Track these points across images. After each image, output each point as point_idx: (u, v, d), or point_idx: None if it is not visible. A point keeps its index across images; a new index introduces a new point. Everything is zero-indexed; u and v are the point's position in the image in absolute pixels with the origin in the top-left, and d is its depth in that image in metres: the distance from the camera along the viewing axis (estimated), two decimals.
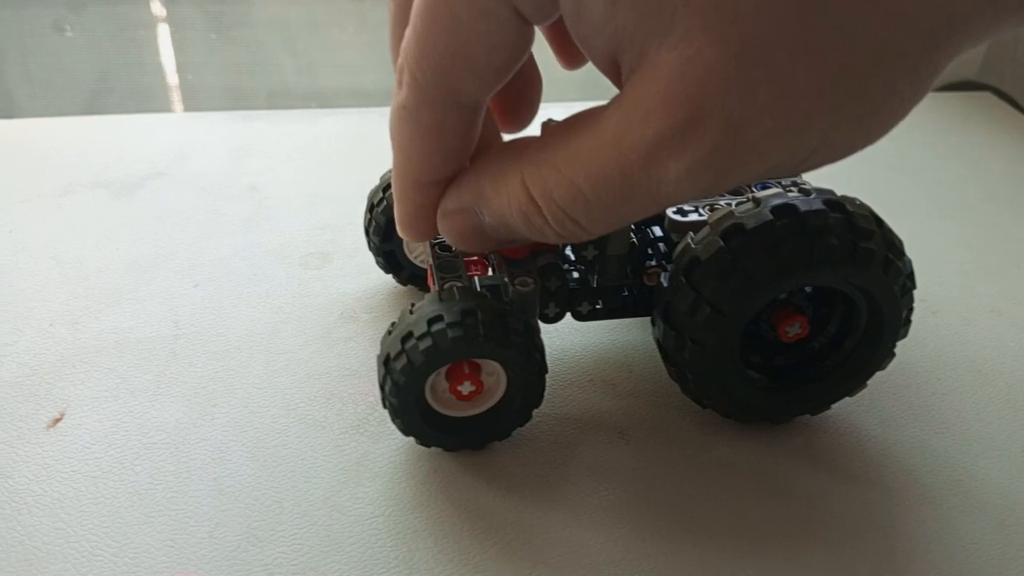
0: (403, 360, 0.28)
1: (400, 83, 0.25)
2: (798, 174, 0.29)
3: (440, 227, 0.28)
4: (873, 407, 0.34)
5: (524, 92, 0.31)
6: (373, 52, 0.79)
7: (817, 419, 0.33)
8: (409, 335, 0.28)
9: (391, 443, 0.32)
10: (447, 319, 0.28)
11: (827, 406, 0.33)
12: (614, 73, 0.23)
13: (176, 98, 0.71)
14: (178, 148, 0.51)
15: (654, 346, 0.36)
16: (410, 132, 0.26)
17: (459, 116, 0.25)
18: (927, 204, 0.49)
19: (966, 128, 0.58)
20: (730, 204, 0.30)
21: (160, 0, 0.81)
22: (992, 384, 0.36)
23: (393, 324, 0.30)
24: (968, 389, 0.36)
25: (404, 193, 0.28)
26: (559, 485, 0.31)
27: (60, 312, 0.38)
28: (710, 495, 0.30)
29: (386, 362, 0.29)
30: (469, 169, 0.27)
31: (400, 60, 0.25)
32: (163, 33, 0.77)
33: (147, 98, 0.71)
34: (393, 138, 0.27)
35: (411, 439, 0.31)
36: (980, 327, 0.39)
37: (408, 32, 0.24)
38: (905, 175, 0.52)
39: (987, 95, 0.64)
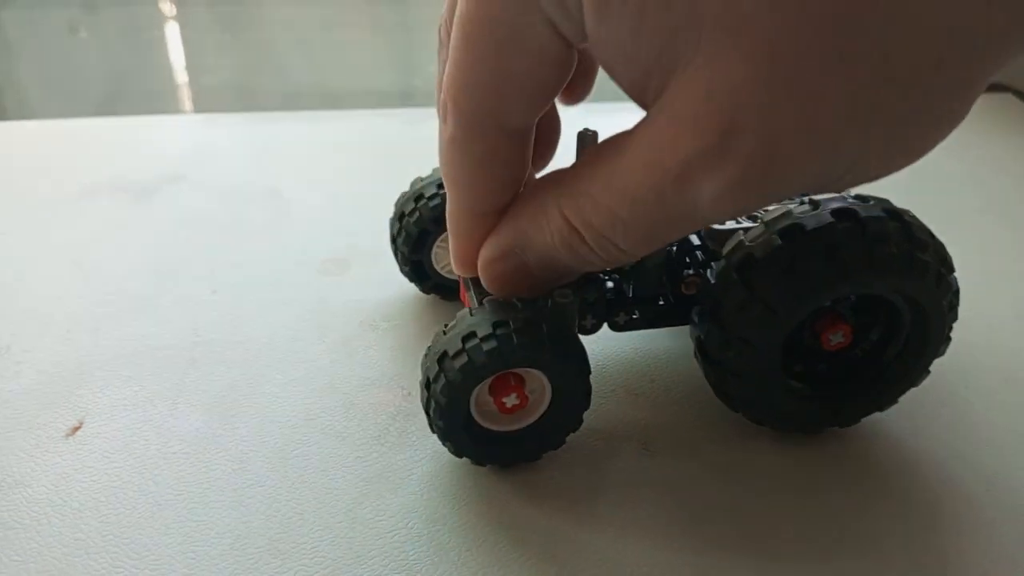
0: (463, 359, 0.28)
1: (445, 117, 0.25)
2: (834, 192, 0.28)
3: (484, 278, 0.28)
4: (902, 416, 0.34)
5: (544, 131, 0.30)
6: (386, 53, 0.79)
7: (848, 430, 0.33)
8: (472, 335, 0.28)
9: (413, 454, 0.31)
10: (513, 325, 0.28)
11: (858, 419, 0.32)
12: (640, 95, 0.23)
13: (189, 99, 0.71)
14: (196, 150, 0.51)
15: (675, 355, 0.36)
16: (462, 164, 0.26)
17: (510, 143, 0.25)
18: (950, 209, 0.49)
19: (987, 130, 0.58)
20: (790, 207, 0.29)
21: (172, 2, 0.81)
22: (1021, 391, 0.35)
23: (447, 325, 0.29)
24: (998, 397, 0.35)
25: (460, 227, 0.28)
26: (584, 497, 0.30)
27: (80, 318, 0.37)
28: (736, 506, 0.30)
29: (441, 359, 0.28)
30: (504, 215, 0.27)
31: (443, 94, 0.25)
32: (176, 34, 0.77)
33: (161, 99, 0.71)
34: (445, 173, 0.27)
35: (432, 449, 0.31)
36: (1007, 334, 0.39)
37: (449, 64, 0.24)
38: (927, 180, 0.52)
39: (1008, 97, 0.63)
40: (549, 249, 0.25)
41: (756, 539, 0.29)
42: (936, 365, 0.35)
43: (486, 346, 0.27)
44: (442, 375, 0.28)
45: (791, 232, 0.28)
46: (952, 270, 0.29)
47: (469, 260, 0.28)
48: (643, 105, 0.23)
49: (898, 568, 0.28)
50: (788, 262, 0.27)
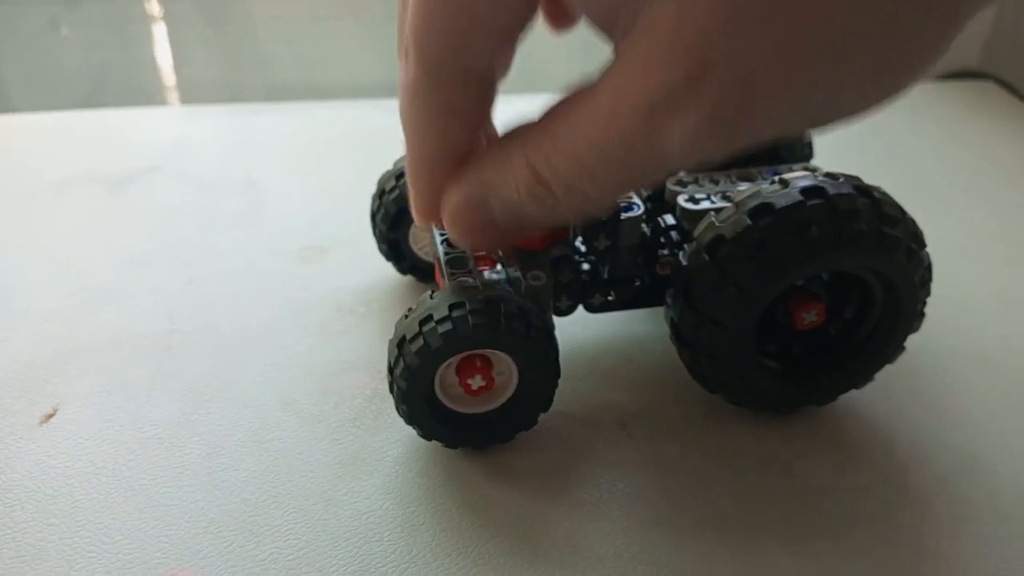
0: (419, 342, 0.28)
1: (406, 61, 0.24)
2: (810, 133, 0.28)
3: (450, 230, 0.27)
4: (878, 396, 0.34)
5: None
6: (373, 46, 0.79)
7: (821, 409, 0.33)
8: (428, 318, 0.28)
9: (388, 436, 0.31)
10: (469, 306, 0.28)
11: (834, 397, 0.32)
12: (608, 36, 0.22)
13: (173, 93, 0.70)
14: (174, 142, 0.51)
15: (654, 336, 0.36)
16: (422, 110, 0.25)
17: (471, 87, 0.24)
18: (929, 193, 0.49)
19: (968, 117, 0.58)
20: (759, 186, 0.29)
21: None
22: (996, 373, 0.36)
23: (410, 309, 0.29)
24: (972, 378, 0.35)
25: (420, 176, 0.27)
26: (559, 478, 0.30)
27: (55, 308, 0.37)
28: (713, 485, 0.30)
29: (400, 344, 0.28)
30: (467, 162, 0.26)
31: (404, 39, 0.24)
32: (159, 29, 0.77)
33: (144, 94, 0.70)
34: (405, 120, 0.26)
35: (408, 432, 0.31)
36: (984, 316, 0.39)
37: (411, 8, 0.23)
38: (907, 164, 0.52)
39: (989, 84, 0.64)
40: (514, 200, 0.24)
41: (731, 518, 0.29)
42: (913, 346, 0.35)
43: (441, 328, 0.27)
44: (401, 359, 0.28)
45: (761, 211, 0.28)
46: (923, 245, 0.29)
47: (429, 210, 0.27)
48: (613, 47, 0.22)
49: (872, 544, 0.28)
50: (758, 241, 0.27)
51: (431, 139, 0.26)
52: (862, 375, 0.32)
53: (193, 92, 0.69)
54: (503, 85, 0.26)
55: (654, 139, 0.21)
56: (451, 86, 0.24)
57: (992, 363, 0.36)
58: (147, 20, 0.78)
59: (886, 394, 0.34)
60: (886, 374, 0.34)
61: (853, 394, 0.33)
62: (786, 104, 0.20)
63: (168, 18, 0.78)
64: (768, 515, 0.29)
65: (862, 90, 0.21)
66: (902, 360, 0.34)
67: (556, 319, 0.33)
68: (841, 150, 0.53)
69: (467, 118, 0.25)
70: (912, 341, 0.34)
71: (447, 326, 0.27)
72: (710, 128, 0.20)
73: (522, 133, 0.24)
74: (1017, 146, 0.54)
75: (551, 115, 0.23)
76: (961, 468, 0.31)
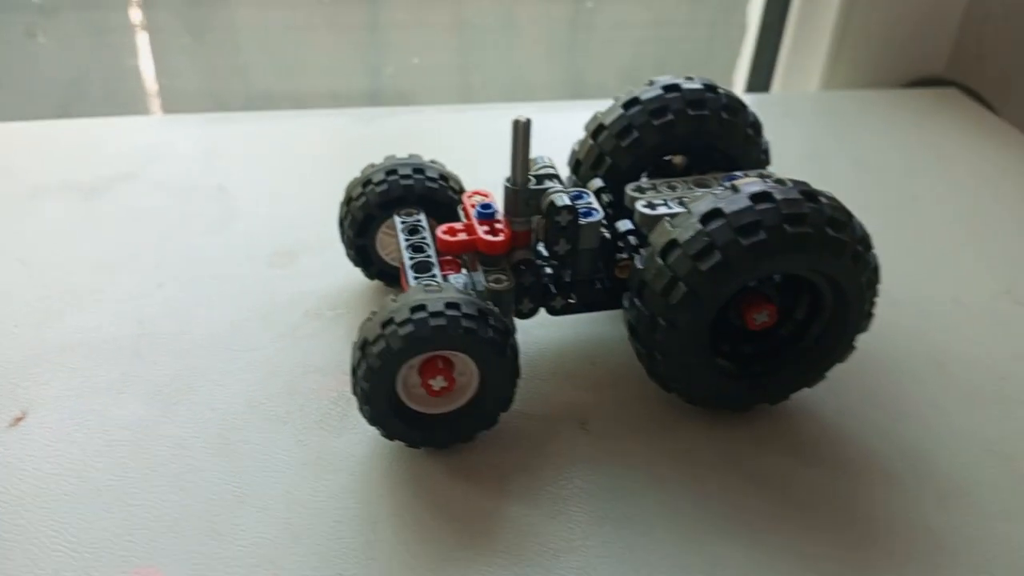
0: (381, 344, 0.28)
1: None
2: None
3: None
4: (832, 395, 0.35)
5: None
6: (351, 55, 0.80)
7: (777, 407, 0.34)
8: (390, 321, 0.29)
9: (352, 437, 0.32)
10: (430, 308, 0.28)
11: (786, 396, 0.33)
12: None
13: (154, 102, 0.71)
14: (149, 151, 0.51)
15: (616, 338, 0.37)
16: None
17: None
18: (892, 197, 0.50)
19: (932, 123, 0.59)
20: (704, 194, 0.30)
21: (137, 5, 0.81)
22: (949, 373, 0.37)
23: (374, 312, 0.30)
24: (926, 378, 0.36)
25: None
26: (519, 476, 0.31)
27: (25, 313, 0.38)
28: (669, 482, 0.31)
29: (363, 346, 0.29)
30: None
31: None
32: (138, 38, 0.77)
33: (122, 103, 0.71)
34: None
35: (373, 433, 0.31)
36: (939, 318, 0.40)
37: None
38: (871, 169, 0.53)
39: (953, 91, 0.65)
40: None
41: (686, 513, 0.30)
42: (868, 346, 0.36)
43: (402, 331, 0.28)
44: (364, 361, 0.29)
45: (711, 216, 0.29)
46: (870, 248, 0.30)
47: None
48: None
49: (820, 536, 0.29)
50: (708, 245, 0.28)
51: None
52: (814, 374, 0.32)
53: (173, 101, 0.70)
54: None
55: None
56: None
57: (945, 363, 0.37)
58: (127, 29, 0.78)
59: (838, 393, 0.35)
60: (839, 373, 0.35)
61: (806, 393, 0.34)
62: None
63: (149, 27, 0.78)
64: (721, 510, 0.30)
65: None
66: (856, 360, 0.35)
67: (521, 321, 0.34)
68: (808, 157, 0.54)
69: None
70: (867, 341, 0.34)
71: (408, 328, 0.28)
72: None
73: None
74: (977, 151, 0.55)
75: None
76: (912, 463, 0.32)
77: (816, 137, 0.57)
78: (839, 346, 0.32)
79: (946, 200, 0.50)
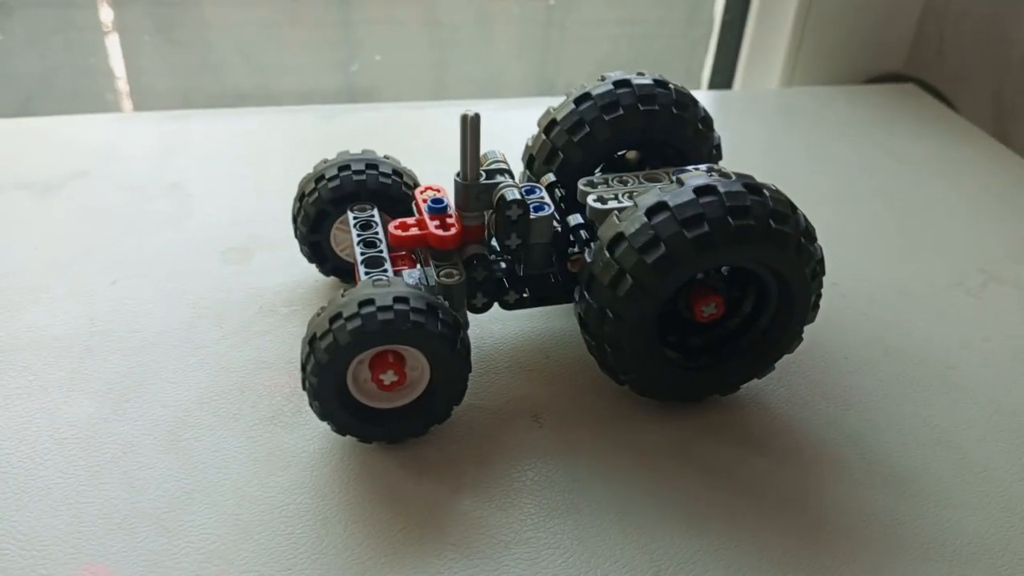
0: (329, 339, 0.28)
1: None
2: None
3: None
4: (782, 385, 0.35)
5: None
6: (323, 52, 0.79)
7: (729, 397, 0.34)
8: (338, 315, 0.29)
9: (305, 433, 0.32)
10: (378, 303, 0.28)
11: (737, 387, 0.34)
12: None
13: (122, 102, 0.70)
14: (105, 148, 0.51)
15: (571, 332, 0.37)
16: None
17: None
18: (845, 191, 0.51)
19: (890, 118, 0.60)
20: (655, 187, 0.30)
21: (106, 2, 0.81)
22: (898, 362, 0.37)
23: (323, 307, 0.30)
24: (875, 367, 0.37)
25: None
26: (471, 468, 0.31)
27: None
28: (620, 472, 0.31)
29: (311, 341, 0.29)
30: None
31: None
32: (105, 36, 0.77)
33: (88, 102, 0.70)
34: None
35: (325, 428, 0.31)
36: (888, 308, 0.40)
37: None
38: (829, 164, 0.54)
39: (911, 87, 0.66)
40: None
41: (636, 502, 0.30)
42: (815, 336, 0.36)
43: (350, 326, 0.28)
44: (312, 356, 0.29)
45: (656, 209, 0.29)
46: (814, 240, 0.31)
47: None
48: None
49: (766, 522, 0.30)
50: (652, 238, 0.29)
51: None
52: (763, 365, 0.33)
53: (142, 100, 0.69)
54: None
55: None
56: None
57: (894, 351, 0.38)
58: (94, 27, 0.78)
59: (789, 383, 0.35)
60: (789, 363, 0.35)
61: (759, 384, 0.34)
62: None
63: (117, 25, 0.78)
64: (671, 498, 0.30)
65: None
66: (806, 350, 0.35)
67: (476, 315, 0.34)
68: (768, 153, 0.55)
69: None
70: (816, 331, 0.35)
71: (356, 323, 0.28)
72: None
73: None
74: (934, 146, 0.56)
75: None
76: (860, 451, 0.33)
77: (776, 133, 0.58)
78: (786, 337, 0.32)
79: (902, 194, 0.51)
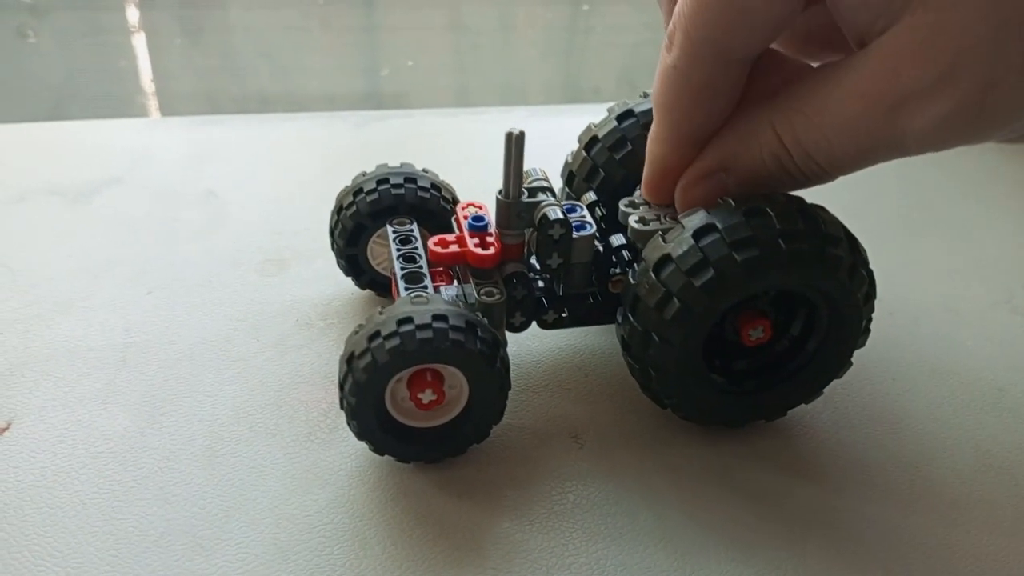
0: (367, 358, 0.28)
1: (671, 45, 0.27)
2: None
3: (680, 200, 0.30)
4: (828, 408, 0.34)
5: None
6: (346, 57, 0.79)
7: (773, 422, 0.33)
8: (376, 334, 0.28)
9: (342, 450, 0.32)
10: (417, 321, 0.28)
11: (783, 412, 0.33)
12: (859, 34, 0.24)
13: (149, 104, 0.70)
14: (138, 154, 0.50)
15: (610, 350, 0.37)
16: (678, 91, 0.28)
17: (729, 74, 0.27)
18: (889, 208, 0.50)
19: None
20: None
21: (132, 4, 0.81)
22: (946, 383, 0.36)
23: (360, 325, 0.29)
24: (922, 388, 0.36)
25: (660, 154, 0.30)
26: (510, 490, 0.30)
27: (10, 320, 0.37)
28: (664, 497, 0.30)
29: (349, 360, 0.29)
30: (709, 143, 0.29)
31: (673, 21, 0.26)
32: (133, 39, 0.77)
33: (116, 105, 0.70)
34: (657, 100, 0.29)
35: (363, 446, 0.31)
36: (935, 327, 0.39)
37: None
38: (869, 178, 0.52)
39: None
40: (756, 165, 0.27)
41: (678, 529, 0.29)
42: (862, 357, 0.35)
43: (389, 344, 0.28)
44: (350, 375, 0.28)
45: (705, 231, 0.28)
46: (866, 264, 0.30)
47: (663, 187, 0.30)
48: (859, 43, 0.25)
49: (816, 553, 0.29)
50: (701, 260, 0.28)
51: (679, 119, 0.28)
52: (810, 391, 0.32)
53: (168, 103, 0.69)
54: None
55: (895, 126, 0.24)
56: (708, 72, 0.27)
57: (941, 372, 0.37)
58: (121, 30, 0.78)
59: (836, 405, 0.34)
60: (836, 385, 0.34)
61: (804, 406, 0.34)
62: (1015, 114, 0.23)
63: (144, 28, 0.78)
64: (714, 526, 0.29)
65: None
66: (852, 371, 0.34)
67: (515, 333, 0.34)
68: None
69: (716, 104, 0.28)
70: (862, 352, 0.34)
71: (395, 341, 0.28)
72: (949, 124, 0.23)
73: (770, 100, 0.27)
74: (974, 158, 0.55)
75: (800, 89, 0.26)
76: (909, 477, 0.32)
77: None
78: (835, 362, 0.31)
79: (944, 208, 0.50)
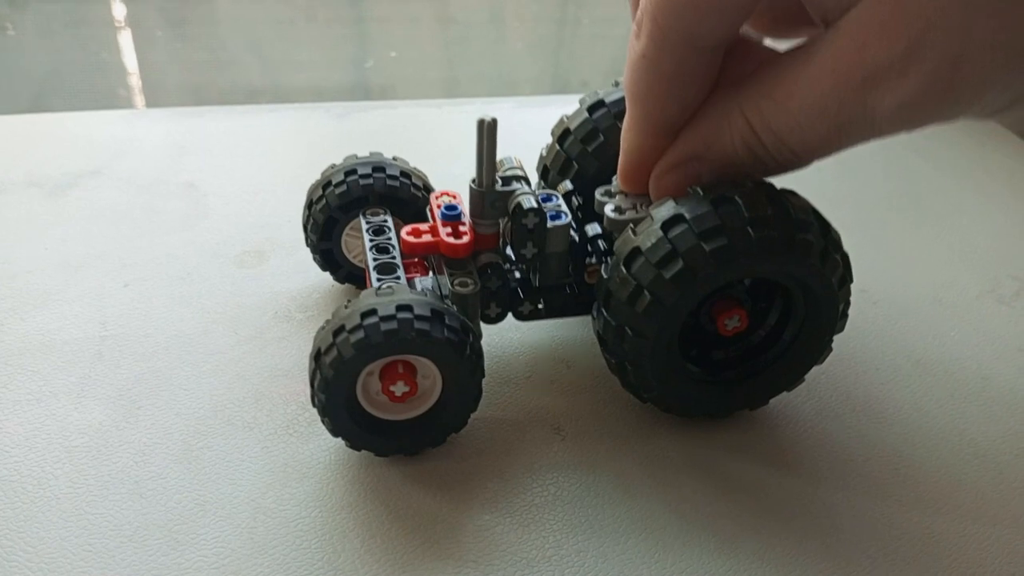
0: (333, 353, 0.28)
1: (639, 33, 0.27)
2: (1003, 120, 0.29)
3: (655, 188, 0.29)
4: (811, 398, 0.34)
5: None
6: (333, 49, 0.79)
7: (755, 412, 0.33)
8: (341, 328, 0.28)
9: (321, 444, 0.31)
10: (381, 312, 0.27)
11: (765, 401, 0.33)
12: (825, 12, 0.24)
13: (133, 98, 0.70)
14: (117, 145, 0.50)
15: (592, 342, 0.36)
16: (649, 80, 0.27)
17: (699, 61, 0.27)
18: (874, 195, 0.49)
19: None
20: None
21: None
22: (931, 373, 0.36)
23: (327, 320, 0.29)
24: (906, 379, 0.36)
25: (634, 144, 0.29)
26: (491, 483, 0.30)
27: None
28: (645, 489, 0.30)
29: (316, 356, 0.28)
30: (683, 131, 0.28)
31: (641, 8, 0.26)
32: (117, 31, 0.76)
33: (99, 98, 0.69)
34: (629, 89, 0.28)
35: (341, 441, 0.30)
36: (920, 317, 0.39)
37: None
38: (852, 165, 0.52)
39: None
40: (728, 152, 0.27)
41: (660, 520, 0.29)
42: (845, 347, 0.35)
43: (353, 338, 0.27)
44: (318, 372, 0.28)
45: (673, 222, 0.28)
46: (839, 248, 0.29)
47: (638, 177, 0.30)
48: (825, 21, 0.24)
49: (798, 542, 0.29)
50: (670, 252, 0.28)
51: (651, 108, 0.28)
52: (791, 377, 0.32)
53: (153, 96, 0.69)
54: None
55: (866, 104, 0.23)
56: (678, 60, 0.26)
57: (926, 363, 0.37)
58: (105, 22, 0.77)
59: (818, 396, 0.34)
60: (819, 375, 0.34)
61: (786, 397, 0.33)
62: (993, 88, 0.22)
63: (128, 21, 0.77)
64: (696, 517, 0.29)
65: None
66: (835, 362, 0.34)
67: (496, 324, 0.33)
68: None
69: (688, 91, 0.28)
70: (846, 342, 0.34)
71: (359, 335, 0.27)
72: (920, 100, 0.22)
73: (737, 87, 0.27)
74: (962, 149, 0.55)
75: (766, 72, 0.26)
76: (892, 466, 0.32)
77: None
78: (814, 348, 0.31)
79: (930, 198, 0.49)
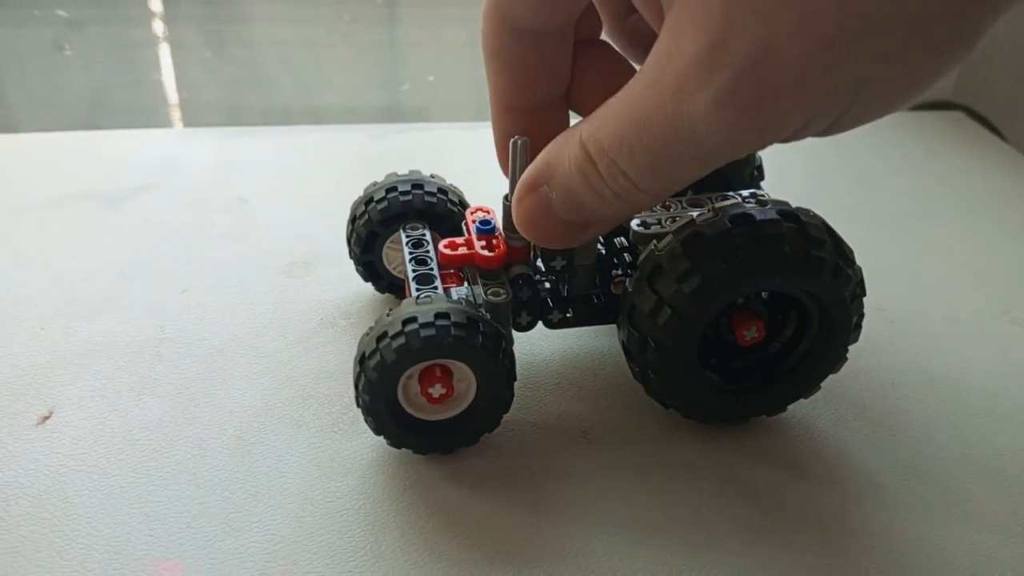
0: (377, 358, 0.30)
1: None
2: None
3: (516, 218, 0.28)
4: (828, 409, 0.36)
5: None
6: (366, 71, 0.81)
7: (774, 420, 0.35)
8: (384, 335, 0.30)
9: (363, 442, 0.33)
10: (420, 320, 0.30)
11: (783, 407, 0.34)
12: (654, 15, 0.23)
13: (175, 115, 0.73)
14: (169, 162, 0.53)
15: (619, 351, 0.38)
16: (484, 58, 0.29)
17: (520, 42, 0.28)
18: (892, 216, 0.51)
19: (936, 145, 0.60)
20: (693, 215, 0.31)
21: (160, 19, 0.84)
22: (943, 390, 0.38)
23: (371, 327, 0.31)
24: (920, 394, 0.37)
25: (492, 121, 0.31)
26: (522, 482, 0.32)
27: (51, 316, 0.39)
28: (667, 492, 0.32)
29: (361, 360, 0.31)
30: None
31: None
32: (161, 52, 0.79)
33: (144, 115, 0.72)
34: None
35: (382, 439, 0.32)
36: (935, 336, 0.41)
37: None
38: (872, 187, 0.54)
39: (959, 114, 0.66)
40: (567, 179, 0.25)
41: (683, 521, 0.31)
42: (862, 363, 0.37)
43: (395, 343, 0.29)
44: (363, 375, 0.30)
45: (692, 240, 0.30)
46: (851, 263, 0.31)
47: (499, 157, 0.32)
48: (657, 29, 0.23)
49: (814, 548, 0.30)
50: (690, 268, 0.30)
51: (490, 84, 0.30)
52: (807, 385, 0.34)
53: (193, 114, 0.71)
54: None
55: (682, 111, 0.21)
56: (498, 40, 0.28)
57: (941, 379, 0.38)
58: (150, 44, 0.80)
59: (835, 407, 0.36)
60: (836, 388, 0.36)
61: (804, 407, 0.35)
62: (806, 86, 0.20)
63: (171, 42, 0.80)
64: (718, 519, 0.31)
65: (890, 82, 0.21)
66: (852, 376, 0.36)
67: (526, 334, 0.35)
68: (811, 175, 0.55)
69: (517, 72, 0.29)
70: (862, 358, 0.36)
71: (400, 340, 0.29)
72: (732, 100, 0.20)
73: (587, 113, 0.25)
74: (981, 174, 0.56)
75: (613, 96, 0.24)
76: (903, 477, 0.33)
77: (820, 156, 0.58)
78: (829, 358, 0.33)
79: (948, 221, 0.51)
